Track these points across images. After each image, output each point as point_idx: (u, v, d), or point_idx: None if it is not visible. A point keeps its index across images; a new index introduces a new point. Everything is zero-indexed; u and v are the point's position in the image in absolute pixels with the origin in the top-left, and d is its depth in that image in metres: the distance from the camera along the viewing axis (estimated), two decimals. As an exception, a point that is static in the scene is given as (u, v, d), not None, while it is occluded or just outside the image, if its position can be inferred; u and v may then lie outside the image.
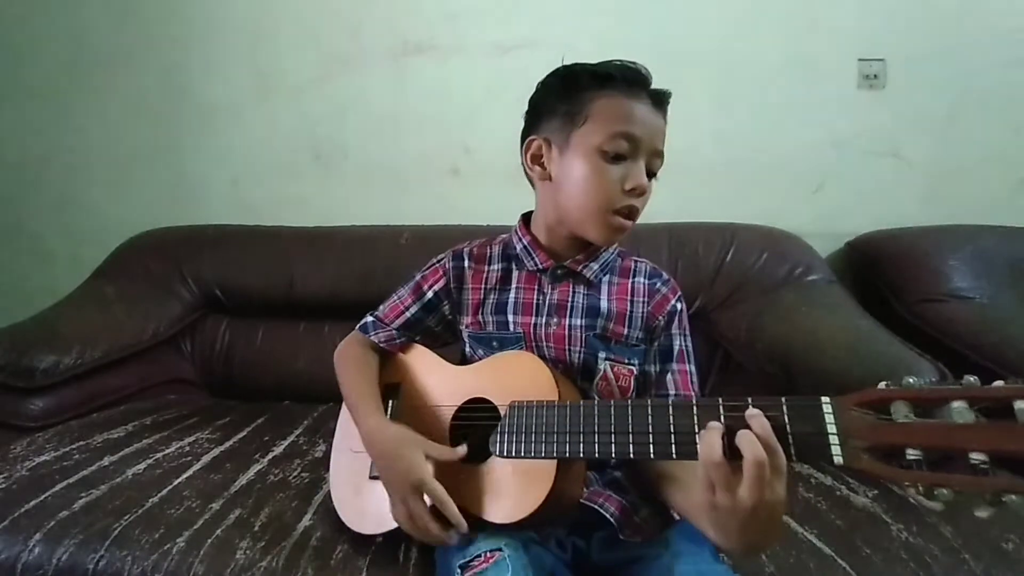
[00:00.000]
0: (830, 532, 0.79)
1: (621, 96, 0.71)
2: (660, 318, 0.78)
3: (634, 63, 0.73)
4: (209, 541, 0.78)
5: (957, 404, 0.42)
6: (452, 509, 0.64)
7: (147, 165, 1.69)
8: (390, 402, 0.80)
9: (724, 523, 0.51)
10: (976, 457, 0.40)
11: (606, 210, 0.71)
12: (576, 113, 0.72)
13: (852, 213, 1.50)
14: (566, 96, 0.73)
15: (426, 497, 0.66)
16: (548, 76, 0.77)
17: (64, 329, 1.27)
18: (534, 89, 0.79)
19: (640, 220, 0.74)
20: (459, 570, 0.62)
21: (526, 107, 0.79)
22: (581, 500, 0.68)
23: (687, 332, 0.79)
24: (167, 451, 1.02)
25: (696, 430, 0.52)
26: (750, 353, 1.19)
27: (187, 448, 1.04)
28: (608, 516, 0.67)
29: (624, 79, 0.71)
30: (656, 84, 0.74)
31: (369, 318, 0.87)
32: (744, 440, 0.47)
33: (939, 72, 1.46)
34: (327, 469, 0.86)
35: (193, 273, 1.46)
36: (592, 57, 0.74)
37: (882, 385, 0.46)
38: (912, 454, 0.42)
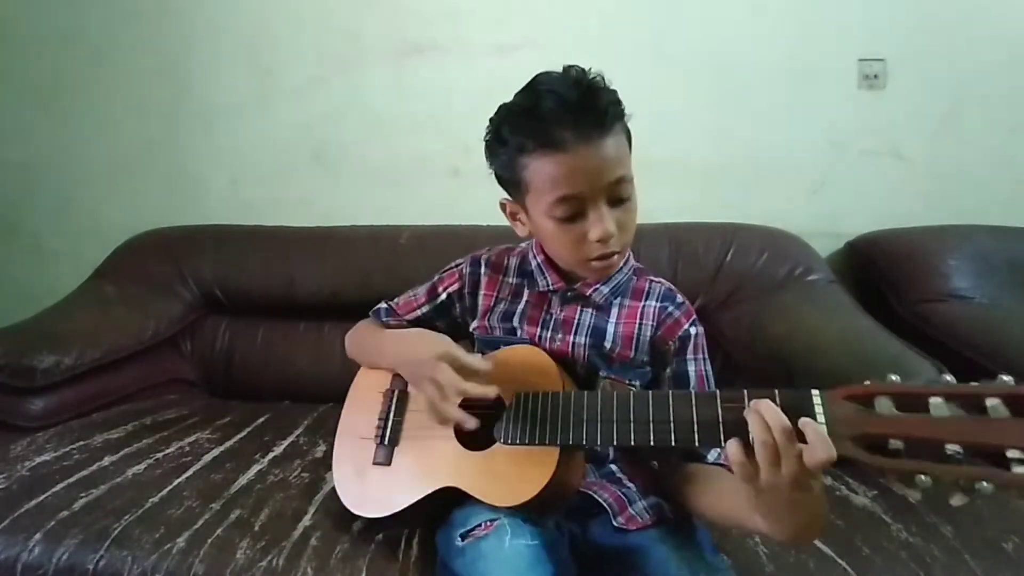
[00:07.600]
0: (830, 532, 0.79)
1: (549, 154, 0.64)
2: (672, 343, 0.74)
3: (562, 79, 0.65)
4: (209, 541, 0.78)
5: (935, 400, 0.46)
6: (481, 365, 0.67)
7: (147, 165, 1.69)
8: (394, 393, 0.80)
9: (772, 505, 0.52)
10: (951, 448, 0.43)
11: (584, 260, 0.70)
12: (518, 182, 0.69)
13: (852, 213, 1.50)
14: (502, 165, 0.71)
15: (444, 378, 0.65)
16: (486, 135, 0.73)
17: (64, 329, 1.27)
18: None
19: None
20: (459, 539, 0.64)
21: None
22: (578, 488, 0.70)
23: (705, 355, 0.75)
24: (167, 451, 1.02)
25: (695, 419, 0.56)
26: (750, 353, 1.19)
27: (187, 448, 1.04)
28: (602, 502, 0.69)
29: (545, 133, 0.63)
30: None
31: (383, 305, 0.89)
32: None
33: (939, 72, 1.46)
34: (327, 469, 0.86)
35: (193, 273, 1.46)
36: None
37: (867, 382, 0.49)
38: (894, 444, 0.46)
